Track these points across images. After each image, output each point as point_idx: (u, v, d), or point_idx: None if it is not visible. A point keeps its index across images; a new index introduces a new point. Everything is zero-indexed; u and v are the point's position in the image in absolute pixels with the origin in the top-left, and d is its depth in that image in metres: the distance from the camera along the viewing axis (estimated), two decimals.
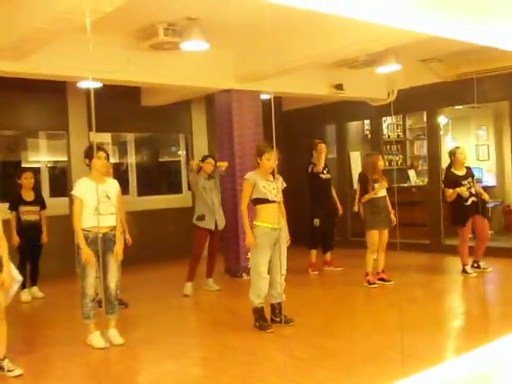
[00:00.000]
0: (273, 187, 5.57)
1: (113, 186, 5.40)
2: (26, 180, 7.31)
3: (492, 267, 7.81)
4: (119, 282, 6.17)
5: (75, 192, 5.18)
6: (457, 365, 4.11)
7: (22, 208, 7.27)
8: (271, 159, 5.47)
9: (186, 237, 8.02)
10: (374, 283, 7.15)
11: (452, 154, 7.66)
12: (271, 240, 5.47)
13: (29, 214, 7.31)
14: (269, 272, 5.51)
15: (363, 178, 7.34)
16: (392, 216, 7.21)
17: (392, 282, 7.20)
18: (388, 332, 5.24)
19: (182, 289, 7.41)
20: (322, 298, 7.16)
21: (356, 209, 7.47)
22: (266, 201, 5.50)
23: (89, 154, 5.32)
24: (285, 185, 5.79)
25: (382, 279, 7.28)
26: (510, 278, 7.98)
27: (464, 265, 7.60)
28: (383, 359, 4.55)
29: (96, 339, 5.19)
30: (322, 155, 8.21)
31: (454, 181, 7.51)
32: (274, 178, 5.63)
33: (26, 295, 7.35)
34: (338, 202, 8.56)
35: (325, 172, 8.36)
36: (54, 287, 8.10)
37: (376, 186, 7.18)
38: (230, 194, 8.44)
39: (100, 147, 5.53)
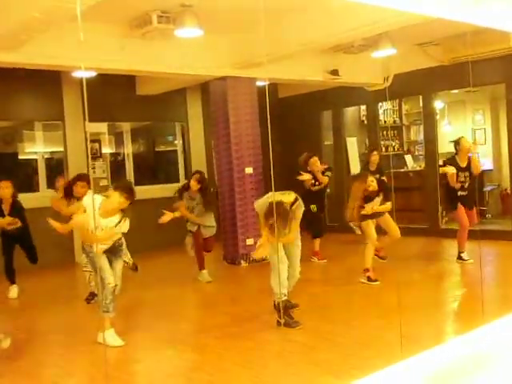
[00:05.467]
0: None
1: (113, 222, 4.91)
2: (2, 190, 6.83)
3: (489, 250, 7.82)
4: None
5: (85, 203, 4.84)
6: (455, 346, 4.13)
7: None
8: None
9: (184, 225, 8.00)
10: (376, 280, 6.67)
11: (456, 143, 7.51)
12: None
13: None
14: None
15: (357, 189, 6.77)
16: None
17: (385, 260, 7.19)
18: (386, 315, 5.27)
19: (180, 277, 7.49)
20: (318, 284, 7.17)
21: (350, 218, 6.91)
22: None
23: (125, 191, 4.87)
24: (302, 208, 5.32)
25: (376, 255, 7.19)
26: (507, 261, 8.02)
27: (460, 252, 7.55)
28: (382, 342, 4.58)
29: (111, 337, 4.91)
30: (314, 168, 8.11)
31: (453, 165, 7.42)
32: None
33: (13, 291, 7.17)
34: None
35: (316, 184, 8.19)
36: (55, 277, 8.15)
37: (374, 202, 6.72)
38: (228, 181, 8.45)
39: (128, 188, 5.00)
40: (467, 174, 7.44)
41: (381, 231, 7.05)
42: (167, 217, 6.79)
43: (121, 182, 5.39)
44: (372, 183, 6.70)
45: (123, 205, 4.82)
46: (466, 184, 7.44)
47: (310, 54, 8.40)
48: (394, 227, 6.95)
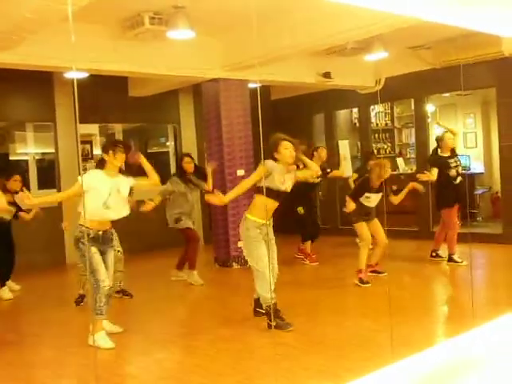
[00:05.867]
0: (289, 179, 5.29)
1: (124, 180, 5.14)
2: (13, 183, 6.96)
3: (480, 253, 7.85)
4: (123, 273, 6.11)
5: (84, 185, 4.70)
6: (446, 349, 4.15)
7: None
8: (288, 148, 5.19)
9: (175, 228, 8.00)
10: (368, 282, 6.65)
11: (440, 139, 7.64)
12: (262, 234, 5.24)
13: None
14: None
15: (363, 183, 6.90)
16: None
17: (385, 274, 7.04)
18: (377, 318, 5.28)
19: (171, 279, 7.45)
20: (309, 286, 7.17)
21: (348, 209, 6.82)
22: (273, 193, 5.14)
23: (108, 148, 5.12)
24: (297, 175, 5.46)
25: (374, 271, 7.05)
26: (498, 264, 8.06)
27: (451, 254, 7.55)
28: (373, 344, 4.59)
29: (102, 339, 4.86)
30: (318, 159, 7.85)
31: (439, 161, 7.51)
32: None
33: (6, 293, 7.12)
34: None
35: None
36: (45, 278, 8.10)
37: (369, 195, 6.76)
38: (220, 183, 8.42)
39: (119, 141, 5.34)
40: (456, 159, 7.58)
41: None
42: (149, 205, 6.69)
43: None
44: (388, 171, 6.72)
45: (121, 159, 5.08)
46: (460, 168, 7.55)
47: (302, 56, 8.42)
48: (381, 233, 6.88)
